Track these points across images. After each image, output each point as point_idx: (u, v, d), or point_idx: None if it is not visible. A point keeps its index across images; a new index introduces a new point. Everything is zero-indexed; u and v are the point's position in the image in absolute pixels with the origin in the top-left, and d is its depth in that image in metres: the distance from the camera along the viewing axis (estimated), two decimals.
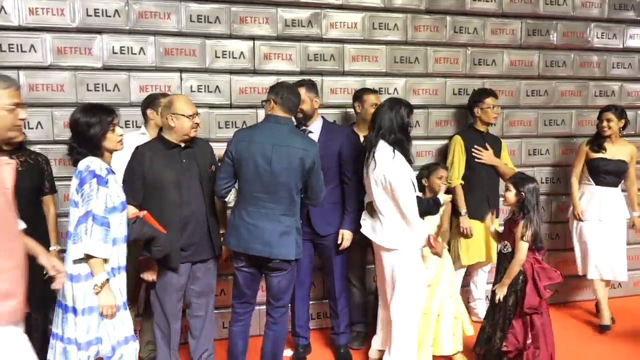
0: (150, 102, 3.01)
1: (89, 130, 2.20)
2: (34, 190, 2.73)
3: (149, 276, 2.64)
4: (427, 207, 2.91)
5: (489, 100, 3.55)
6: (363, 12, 3.68)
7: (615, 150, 3.68)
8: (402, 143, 2.77)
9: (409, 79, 3.83)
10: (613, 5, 4.21)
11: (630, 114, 4.36)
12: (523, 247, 2.76)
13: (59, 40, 3.18)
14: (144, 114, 3.06)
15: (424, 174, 3.28)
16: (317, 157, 2.62)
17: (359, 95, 3.36)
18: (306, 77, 3.24)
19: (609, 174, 3.69)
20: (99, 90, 3.23)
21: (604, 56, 4.26)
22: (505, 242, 2.86)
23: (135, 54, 3.30)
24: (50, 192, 2.83)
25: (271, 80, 3.51)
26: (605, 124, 3.64)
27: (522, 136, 4.14)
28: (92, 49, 3.23)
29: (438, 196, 3.01)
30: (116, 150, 2.32)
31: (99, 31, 3.24)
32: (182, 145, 2.64)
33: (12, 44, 3.12)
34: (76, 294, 2.17)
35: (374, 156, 2.76)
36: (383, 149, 2.76)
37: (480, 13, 3.93)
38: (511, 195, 2.83)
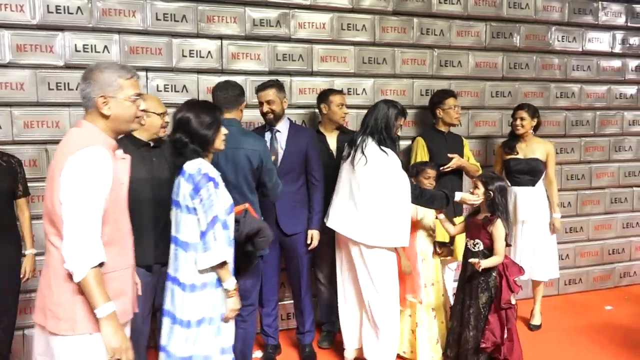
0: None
1: (203, 129, 2.14)
2: (7, 194, 2.65)
3: None
4: (431, 198, 2.99)
5: (450, 101, 3.60)
6: (331, 12, 3.70)
7: (529, 150, 3.68)
8: (390, 142, 2.88)
9: (377, 79, 3.87)
10: (573, 10, 4.36)
11: (588, 115, 4.53)
12: (503, 247, 2.83)
13: (18, 37, 3.08)
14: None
15: (412, 172, 3.31)
16: (266, 154, 2.66)
17: (324, 95, 3.38)
18: (274, 78, 3.24)
19: (522, 173, 3.68)
20: (60, 89, 3.15)
21: (564, 59, 4.40)
22: (477, 240, 2.91)
23: (99, 52, 3.23)
24: (24, 195, 2.74)
25: (239, 79, 3.49)
26: (518, 122, 3.65)
27: (487, 136, 4.23)
28: (54, 46, 3.15)
29: (458, 193, 3.10)
30: (220, 150, 2.27)
31: (61, 28, 3.15)
32: (151, 144, 2.61)
33: None
34: (191, 304, 2.11)
35: (363, 152, 2.85)
36: (374, 146, 2.86)
37: (446, 15, 3.99)
38: (480, 193, 2.89)
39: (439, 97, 3.63)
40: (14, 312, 2.69)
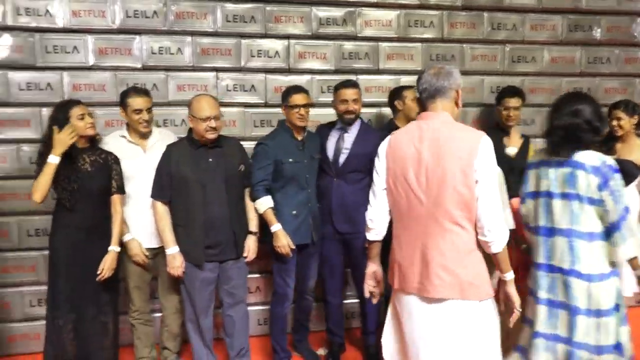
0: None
1: (597, 120, 2.23)
2: (103, 191, 2.70)
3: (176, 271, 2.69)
4: None
5: (507, 101, 3.36)
6: (398, 9, 3.65)
7: (626, 150, 3.26)
8: None
9: None
10: None
11: None
12: None
13: (100, 41, 3.27)
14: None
15: None
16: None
17: (398, 92, 3.33)
18: (351, 78, 3.23)
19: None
20: None
21: None
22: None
23: (173, 53, 3.36)
24: (118, 192, 2.74)
25: (305, 79, 3.53)
26: (615, 123, 3.25)
27: None
28: (132, 49, 3.31)
29: None
30: None
31: (138, 32, 3.32)
32: (209, 145, 2.67)
33: (56, 46, 3.23)
34: (603, 293, 2.15)
35: None
36: None
37: (519, 9, 3.83)
38: None
39: (499, 95, 3.46)
40: (115, 305, 2.79)
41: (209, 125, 2.59)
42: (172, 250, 2.65)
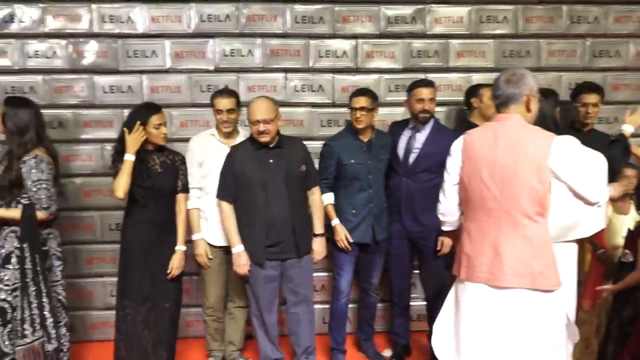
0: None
1: None
2: (170, 190, 2.81)
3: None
4: None
5: (585, 97, 3.14)
6: (470, 5, 3.54)
7: None
8: None
9: None
10: None
11: None
12: None
13: (176, 45, 3.43)
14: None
15: None
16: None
17: (475, 90, 3.26)
18: (420, 76, 3.19)
19: None
20: (211, 91, 3.40)
21: None
22: (626, 250, 2.59)
23: (244, 55, 3.46)
24: (182, 191, 2.85)
25: (373, 78, 3.52)
26: None
27: None
28: (206, 52, 3.44)
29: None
30: None
31: (212, 35, 3.44)
32: (271, 145, 2.72)
33: (136, 50, 3.41)
34: None
35: None
36: None
37: (601, 0, 3.60)
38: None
39: (575, 91, 3.26)
40: (179, 301, 2.91)
41: (258, 129, 2.64)
42: (238, 249, 2.73)
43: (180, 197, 2.85)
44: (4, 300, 2.55)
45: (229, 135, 2.99)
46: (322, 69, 3.52)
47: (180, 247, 2.81)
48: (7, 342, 2.56)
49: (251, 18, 3.43)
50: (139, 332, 2.77)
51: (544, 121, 2.55)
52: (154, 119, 2.70)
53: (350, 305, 3.53)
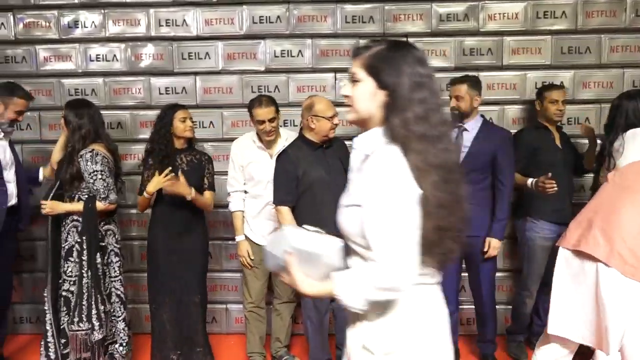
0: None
1: None
2: (197, 188, 2.88)
3: None
4: None
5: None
6: (525, 0, 3.43)
7: None
8: None
9: (577, 71, 3.47)
10: None
11: None
12: None
13: (229, 47, 3.50)
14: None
15: None
16: None
17: (539, 92, 3.21)
18: (470, 74, 3.12)
19: None
20: (261, 91, 3.48)
21: None
22: None
23: (294, 56, 3.49)
24: (209, 189, 2.94)
25: None
26: None
27: None
28: (257, 53, 3.50)
29: None
30: None
31: (263, 37, 3.49)
32: (324, 145, 2.75)
33: (190, 52, 3.51)
34: None
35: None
36: None
37: None
38: None
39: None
40: (205, 290, 3.03)
41: (334, 122, 2.69)
42: None
43: (206, 194, 2.94)
44: (67, 290, 2.71)
45: (271, 143, 3.02)
46: None
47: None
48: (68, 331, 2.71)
49: (301, 19, 3.46)
50: (170, 326, 2.90)
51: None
52: (180, 114, 2.87)
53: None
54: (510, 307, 3.35)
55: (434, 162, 1.20)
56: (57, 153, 2.95)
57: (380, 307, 1.24)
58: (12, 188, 2.98)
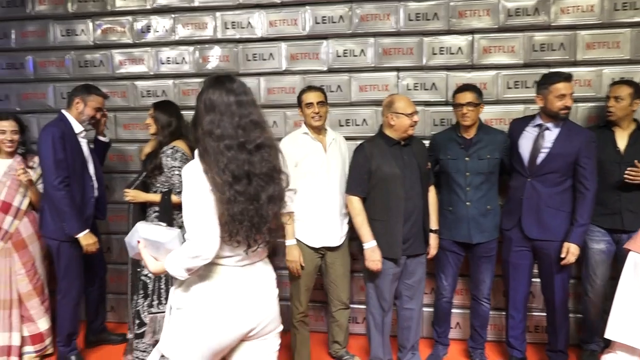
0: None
1: None
2: None
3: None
4: None
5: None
6: None
7: None
8: None
9: None
10: None
11: None
12: None
13: (292, 47, 3.55)
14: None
15: None
16: None
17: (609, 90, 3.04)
18: (542, 71, 3.00)
19: None
20: (333, 91, 3.48)
21: None
22: None
23: (356, 55, 3.49)
24: None
25: (490, 74, 3.36)
26: None
27: None
28: (319, 53, 3.52)
29: None
30: None
31: (325, 37, 3.51)
32: (402, 143, 2.75)
33: (255, 54, 3.59)
34: None
35: None
36: None
37: None
38: None
39: None
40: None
41: (414, 120, 2.70)
42: (371, 244, 2.72)
43: None
44: (146, 275, 2.88)
45: (320, 130, 2.97)
46: (435, 67, 3.43)
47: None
48: (146, 313, 2.87)
49: (364, 18, 3.45)
50: None
51: None
52: None
53: (459, 311, 3.42)
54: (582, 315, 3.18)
55: (223, 169, 1.59)
56: (147, 147, 3.11)
57: (196, 274, 1.66)
58: (95, 182, 3.20)
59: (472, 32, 3.38)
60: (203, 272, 1.67)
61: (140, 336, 2.86)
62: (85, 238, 3.00)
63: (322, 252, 2.96)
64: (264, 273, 1.76)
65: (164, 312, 2.79)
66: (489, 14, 3.34)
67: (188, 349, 1.66)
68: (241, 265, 1.69)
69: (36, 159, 3.15)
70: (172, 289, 1.76)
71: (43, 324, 3.21)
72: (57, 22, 3.81)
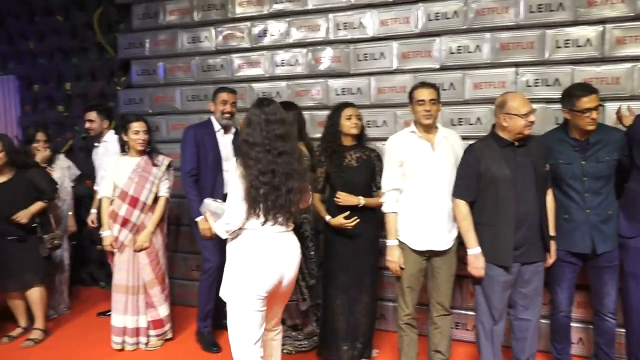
0: None
1: None
2: (367, 184, 3.01)
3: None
4: None
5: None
6: None
7: None
8: None
9: None
10: None
11: None
12: None
13: (403, 46, 3.51)
14: None
15: None
16: None
17: None
18: None
19: None
20: None
21: None
22: None
23: (471, 52, 3.36)
24: (379, 188, 2.94)
25: (625, 67, 3.05)
26: None
27: None
28: (432, 51, 3.44)
29: None
30: None
31: (438, 34, 3.42)
32: (516, 143, 2.57)
33: (366, 54, 3.61)
34: None
35: None
36: None
37: None
38: None
39: None
40: (374, 286, 3.10)
41: (529, 120, 2.51)
42: (475, 250, 2.61)
43: (379, 193, 2.96)
44: None
45: (429, 128, 2.80)
46: (559, 61, 3.19)
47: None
48: None
49: (480, 12, 3.31)
50: (338, 319, 3.02)
51: None
52: (346, 112, 3.01)
53: (581, 325, 3.16)
54: None
55: (252, 165, 2.22)
56: None
57: (233, 236, 2.31)
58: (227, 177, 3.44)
59: (603, 21, 3.09)
60: (241, 236, 2.29)
61: (282, 322, 2.89)
62: (201, 223, 3.23)
63: (428, 255, 2.84)
64: (286, 240, 2.33)
65: (295, 300, 3.04)
66: (624, 1, 3.03)
67: (239, 292, 2.26)
68: (270, 232, 2.27)
69: (160, 158, 3.45)
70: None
71: (163, 311, 3.49)
72: (184, 30, 4.14)
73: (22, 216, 3.50)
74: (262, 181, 2.19)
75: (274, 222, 2.25)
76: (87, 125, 3.97)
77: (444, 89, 3.38)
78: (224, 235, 2.32)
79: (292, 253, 2.34)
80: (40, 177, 3.63)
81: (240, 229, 2.28)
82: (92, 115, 3.95)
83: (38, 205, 3.57)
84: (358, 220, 2.93)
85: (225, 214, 2.28)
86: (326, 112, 3.67)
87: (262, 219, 2.23)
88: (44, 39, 4.93)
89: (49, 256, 3.69)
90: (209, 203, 2.45)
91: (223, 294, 2.33)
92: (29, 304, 3.67)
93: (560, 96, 2.81)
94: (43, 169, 3.78)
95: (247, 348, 2.27)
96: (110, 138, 3.92)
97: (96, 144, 4.02)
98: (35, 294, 3.63)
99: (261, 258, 2.24)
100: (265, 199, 2.20)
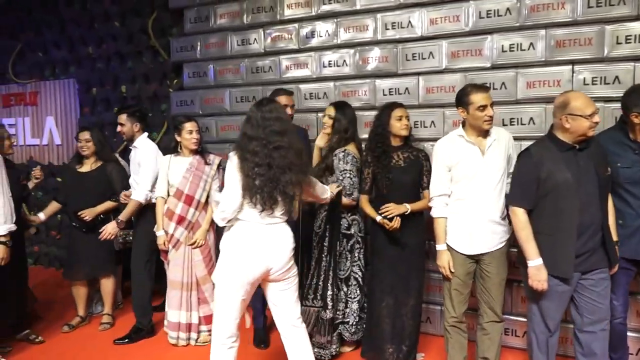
0: None
1: None
2: (414, 185, 2.99)
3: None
4: None
5: None
6: None
7: None
8: None
9: None
10: None
11: None
12: None
13: (453, 45, 3.44)
14: None
15: None
16: None
17: None
18: None
19: None
20: None
21: None
22: None
23: (524, 50, 3.25)
24: (427, 187, 2.92)
25: None
26: None
27: None
28: (482, 49, 3.36)
29: None
30: None
31: (489, 32, 3.34)
32: (578, 146, 2.43)
33: (414, 53, 3.56)
34: None
35: None
36: None
37: None
38: None
39: None
40: (421, 289, 3.07)
41: (594, 121, 2.35)
42: (537, 262, 2.45)
43: (426, 193, 2.96)
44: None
45: (483, 133, 2.69)
46: (619, 58, 3.04)
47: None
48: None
49: (534, 9, 3.20)
50: (383, 321, 3.01)
51: None
52: (396, 112, 3.00)
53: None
54: None
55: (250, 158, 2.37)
56: (320, 140, 3.30)
57: (228, 225, 2.46)
58: None
59: None
60: (233, 227, 2.44)
61: None
62: None
63: (476, 257, 2.77)
64: (279, 231, 2.45)
65: (318, 307, 2.97)
66: None
67: (222, 277, 2.45)
68: (262, 224, 2.41)
69: (211, 157, 3.53)
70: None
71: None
72: (234, 33, 4.22)
73: (88, 214, 3.71)
74: (258, 172, 2.34)
75: (270, 212, 2.38)
76: (119, 128, 3.82)
77: (495, 88, 3.29)
78: (220, 223, 2.46)
79: (280, 245, 2.45)
80: (117, 175, 3.84)
81: (235, 219, 2.43)
82: (122, 118, 3.79)
83: (106, 205, 3.78)
84: (397, 227, 2.89)
85: (221, 202, 2.43)
86: (373, 113, 3.66)
87: (258, 208, 2.36)
88: (102, 44, 5.16)
89: (120, 250, 3.83)
90: (216, 194, 2.71)
91: (213, 277, 2.53)
92: (102, 293, 3.94)
93: (619, 95, 2.69)
94: (122, 167, 3.97)
95: (224, 328, 2.47)
96: (140, 143, 3.75)
97: (131, 147, 3.88)
98: (109, 284, 3.91)
99: (246, 250, 2.40)
100: (262, 190, 2.34)
